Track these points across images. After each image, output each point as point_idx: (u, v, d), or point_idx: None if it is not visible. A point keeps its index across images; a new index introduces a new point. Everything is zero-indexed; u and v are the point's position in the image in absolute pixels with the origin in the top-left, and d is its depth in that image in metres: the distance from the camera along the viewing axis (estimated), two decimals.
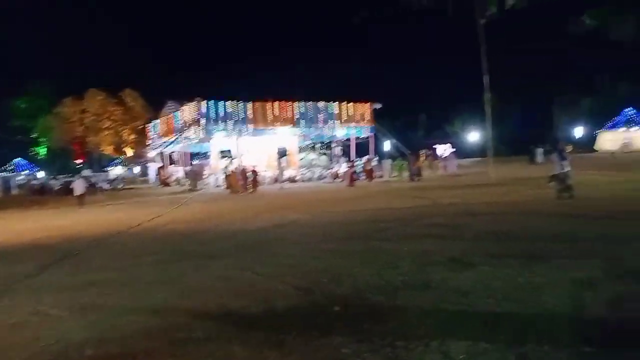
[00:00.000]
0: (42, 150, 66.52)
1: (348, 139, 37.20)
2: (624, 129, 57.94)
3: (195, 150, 38.49)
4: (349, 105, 35.78)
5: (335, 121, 35.19)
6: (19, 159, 65.91)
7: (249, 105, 31.88)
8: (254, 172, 26.45)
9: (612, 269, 5.47)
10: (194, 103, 30.97)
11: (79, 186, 22.49)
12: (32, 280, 6.83)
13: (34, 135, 62.99)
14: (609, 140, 57.98)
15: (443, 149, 43.05)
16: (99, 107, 53.42)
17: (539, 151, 37.15)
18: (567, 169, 12.75)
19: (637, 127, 57.44)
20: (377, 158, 35.93)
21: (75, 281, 6.55)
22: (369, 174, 29.55)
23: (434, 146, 48.68)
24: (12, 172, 59.76)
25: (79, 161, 63.10)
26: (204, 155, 37.45)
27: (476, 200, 14.24)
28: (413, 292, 5.06)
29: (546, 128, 65.46)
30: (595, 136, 61.48)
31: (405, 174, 28.47)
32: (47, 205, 23.18)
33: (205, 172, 33.39)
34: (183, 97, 34.05)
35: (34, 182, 41.43)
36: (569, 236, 7.61)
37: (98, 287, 6.05)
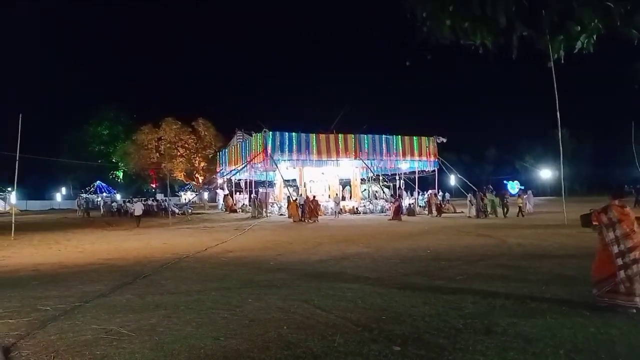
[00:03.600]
0: (120, 174, 71.13)
1: (412, 172, 36.84)
2: None
3: (261, 178, 39.60)
4: (413, 138, 35.59)
5: (399, 154, 35.05)
6: (99, 181, 70.79)
7: (313, 136, 32.53)
8: (315, 202, 26.76)
9: None
10: (260, 133, 32.05)
11: (137, 208, 26.39)
12: (103, 300, 7.19)
13: (113, 160, 67.64)
14: None
15: (515, 187, 41.39)
16: (174, 135, 56.42)
17: None
18: None
19: None
20: (441, 192, 35.28)
21: (144, 303, 6.88)
22: (438, 208, 29.01)
23: (504, 182, 47.13)
24: (93, 194, 64.05)
25: (153, 186, 66.73)
26: (269, 184, 38.39)
27: (545, 241, 13.56)
28: (475, 336, 4.89)
29: (626, 167, 61.66)
30: None
31: (499, 211, 26.98)
32: (122, 227, 24.58)
33: (269, 200, 34.15)
34: (251, 127, 35.41)
35: (112, 204, 44.10)
36: None
37: (165, 310, 6.33)
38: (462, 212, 29.98)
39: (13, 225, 19.48)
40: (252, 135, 34.56)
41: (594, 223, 6.01)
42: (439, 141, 36.28)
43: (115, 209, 39.77)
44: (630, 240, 5.61)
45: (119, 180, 72.95)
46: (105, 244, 16.16)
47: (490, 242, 14.01)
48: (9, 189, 52.40)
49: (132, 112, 69.28)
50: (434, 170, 36.51)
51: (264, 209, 31.18)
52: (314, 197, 28.01)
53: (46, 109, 70.99)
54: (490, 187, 29.35)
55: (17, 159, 20.06)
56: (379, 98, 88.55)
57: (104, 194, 64.01)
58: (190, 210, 35.86)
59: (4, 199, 55.67)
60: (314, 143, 32.45)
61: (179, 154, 57.07)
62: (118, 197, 58.44)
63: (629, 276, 5.54)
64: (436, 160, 36.25)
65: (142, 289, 7.94)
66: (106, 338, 5.18)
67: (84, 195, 57.14)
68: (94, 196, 61.15)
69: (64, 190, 72.93)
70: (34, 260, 12.40)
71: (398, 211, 26.30)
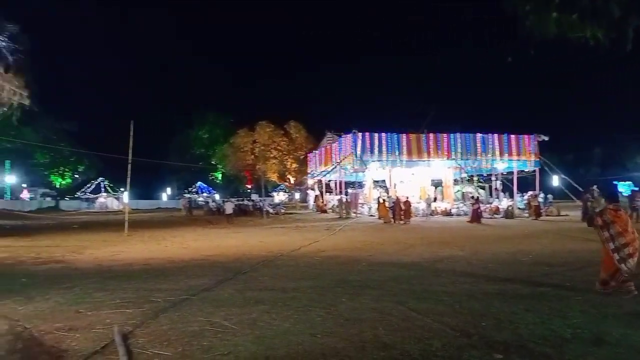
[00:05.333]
0: (219, 175, 75.35)
1: (510, 173, 35.01)
2: None
3: (351, 179, 39.78)
4: (511, 136, 33.74)
5: (495, 153, 33.43)
6: (200, 182, 75.47)
7: (403, 136, 32.07)
8: (407, 203, 26.33)
9: None
10: (350, 135, 32.21)
11: (228, 208, 28.04)
12: (207, 294, 7.63)
13: (213, 162, 71.82)
14: None
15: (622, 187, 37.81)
16: (267, 138, 58.61)
17: None
18: None
19: None
20: (542, 194, 33.12)
21: (244, 297, 7.23)
22: (535, 211, 27.32)
23: (613, 183, 43.27)
24: (195, 194, 68.47)
25: (248, 186, 69.89)
26: (359, 185, 38.44)
27: None
28: (584, 346, 4.57)
29: None
30: None
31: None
32: (221, 225, 25.96)
33: (359, 201, 34.22)
34: (341, 129, 35.75)
35: (211, 203, 46.74)
36: None
37: (264, 305, 6.61)
38: (567, 215, 27.99)
39: (126, 222, 21.36)
40: (342, 137, 34.86)
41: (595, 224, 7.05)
42: (539, 139, 34.02)
43: (214, 208, 42.12)
44: (623, 238, 6.66)
45: (217, 181, 77.37)
46: (207, 242, 17.17)
47: (598, 247, 12.86)
48: (122, 189, 57.53)
49: (230, 116, 73.07)
50: (534, 171, 34.36)
51: (353, 210, 31.29)
52: (407, 198, 27.55)
53: (155, 115, 77.00)
54: (596, 188, 26.68)
55: (130, 162, 21.97)
56: (475, 93, 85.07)
57: (205, 194, 68.19)
58: (283, 210, 36.95)
59: (118, 199, 61.28)
60: (404, 143, 31.99)
61: (272, 155, 59.14)
62: (217, 197, 61.92)
63: (629, 268, 6.60)
64: (537, 160, 34.04)
65: (242, 285, 8.35)
66: (211, 330, 5.52)
67: (187, 195, 61.32)
68: (196, 196, 65.41)
69: (169, 190, 78.73)
70: (144, 255, 13.51)
71: (476, 214, 25.18)
